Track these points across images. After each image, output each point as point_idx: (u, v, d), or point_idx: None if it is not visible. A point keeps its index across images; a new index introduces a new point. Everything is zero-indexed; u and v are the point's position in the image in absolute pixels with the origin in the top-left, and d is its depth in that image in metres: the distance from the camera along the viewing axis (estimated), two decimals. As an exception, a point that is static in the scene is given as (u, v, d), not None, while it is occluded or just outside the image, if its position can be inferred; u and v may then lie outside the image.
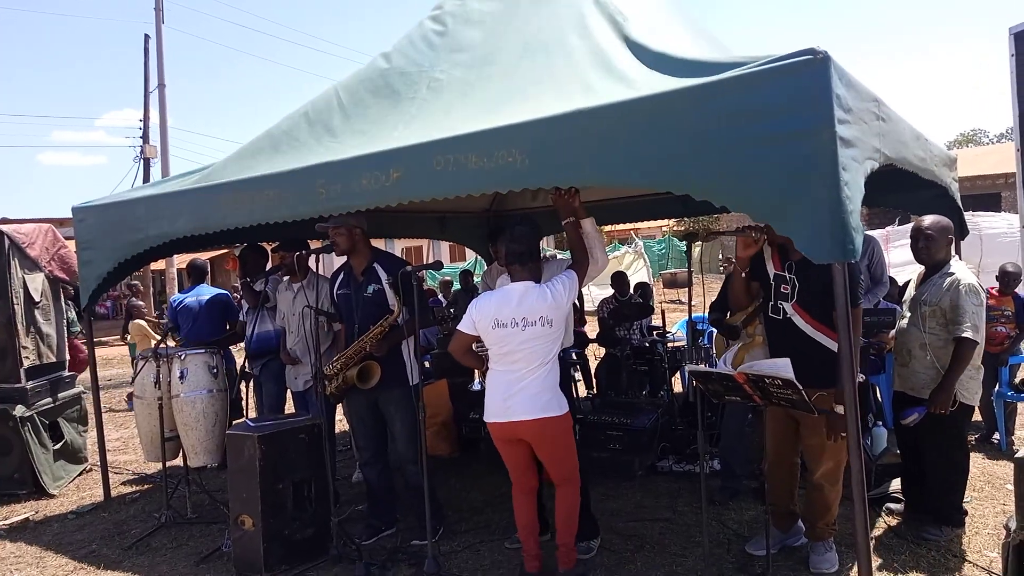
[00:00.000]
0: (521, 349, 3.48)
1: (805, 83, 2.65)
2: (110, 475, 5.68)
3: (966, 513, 4.09)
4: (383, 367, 4.14)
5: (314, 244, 4.97)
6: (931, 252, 3.92)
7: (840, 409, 3.13)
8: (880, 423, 5.41)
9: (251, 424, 4.18)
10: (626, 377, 6.64)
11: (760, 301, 3.77)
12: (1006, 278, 5.62)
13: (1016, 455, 2.55)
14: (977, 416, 5.01)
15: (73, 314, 9.27)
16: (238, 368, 5.73)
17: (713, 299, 5.09)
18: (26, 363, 5.89)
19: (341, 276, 4.41)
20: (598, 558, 3.91)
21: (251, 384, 5.39)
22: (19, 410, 5.70)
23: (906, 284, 4.42)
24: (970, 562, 3.65)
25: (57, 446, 6.06)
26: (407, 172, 3.56)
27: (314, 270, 4.98)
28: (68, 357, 6.62)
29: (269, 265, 5.44)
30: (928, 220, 3.94)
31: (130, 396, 7.89)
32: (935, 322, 3.85)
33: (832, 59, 2.65)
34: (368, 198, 3.71)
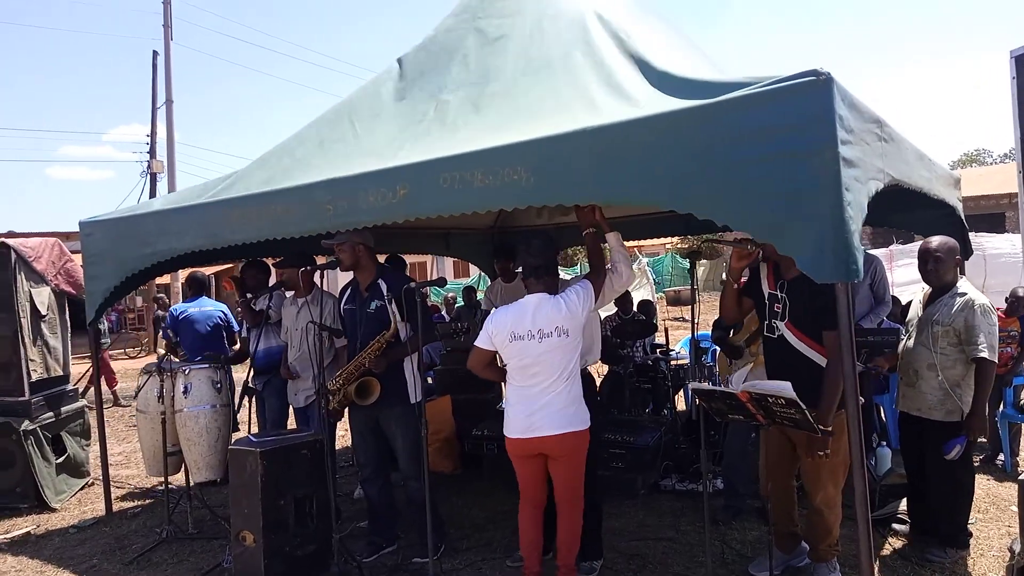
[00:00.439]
0: (539, 362, 3.48)
1: (808, 104, 2.67)
2: (112, 489, 5.67)
3: (971, 535, 4.06)
4: (384, 384, 4.14)
5: (320, 260, 5.00)
6: (940, 274, 3.93)
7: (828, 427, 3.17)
8: (884, 443, 5.39)
9: (253, 440, 4.18)
10: (629, 395, 6.62)
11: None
12: (1016, 303, 5.64)
13: (1020, 476, 2.54)
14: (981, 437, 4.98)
15: (105, 327, 9.35)
16: (240, 383, 5.75)
17: (716, 317, 5.09)
18: (33, 376, 5.90)
19: (348, 292, 4.43)
20: (600, 577, 3.89)
21: (253, 399, 5.39)
22: (23, 424, 5.70)
23: (908, 304, 4.42)
24: (975, 584, 3.63)
25: (60, 460, 6.06)
26: (414, 189, 3.58)
27: (319, 285, 5.00)
28: (93, 371, 6.63)
29: (273, 280, 5.45)
30: (936, 241, 3.95)
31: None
32: (947, 342, 3.85)
33: (835, 80, 2.67)
34: (375, 214, 3.73)
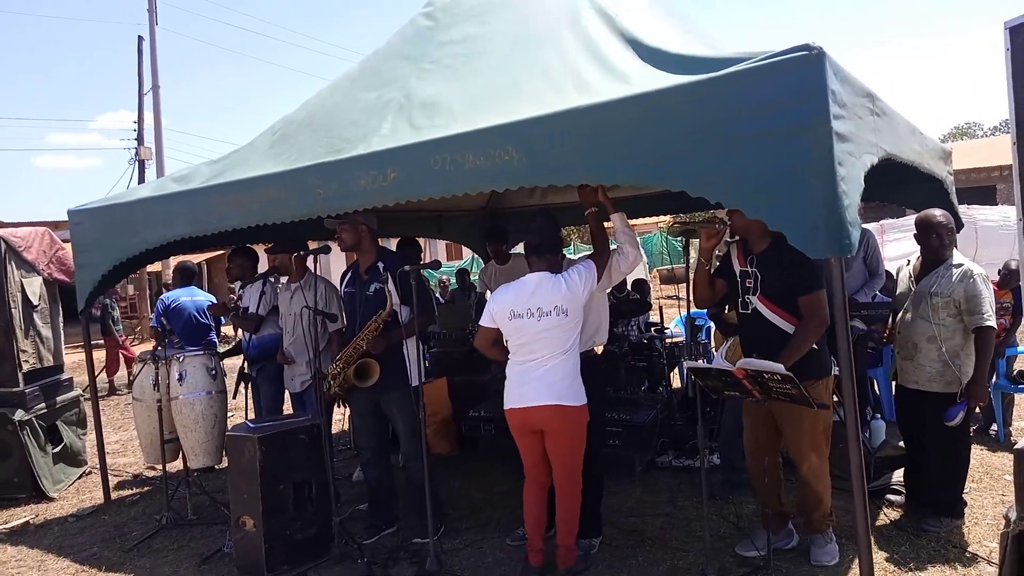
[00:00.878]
0: (537, 339, 3.50)
1: (800, 79, 2.66)
2: (110, 478, 5.68)
3: (966, 504, 4.11)
4: (384, 367, 4.14)
5: (312, 244, 4.98)
6: (945, 246, 3.96)
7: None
8: (878, 416, 5.43)
9: (251, 425, 4.18)
10: (624, 373, 6.64)
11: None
12: (1009, 275, 5.68)
13: (1016, 446, 2.56)
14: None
15: (117, 313, 9.37)
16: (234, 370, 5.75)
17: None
18: (26, 367, 5.88)
19: (349, 275, 4.42)
20: (599, 554, 3.92)
21: (249, 386, 5.40)
22: (18, 414, 5.69)
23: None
24: (970, 553, 3.67)
25: (56, 449, 6.06)
26: (404, 172, 3.56)
27: (312, 270, 4.99)
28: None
29: (264, 266, 5.43)
30: (939, 213, 4.00)
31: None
32: (946, 313, 3.88)
33: (827, 55, 2.66)
34: (366, 198, 3.71)
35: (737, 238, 3.75)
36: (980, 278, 3.84)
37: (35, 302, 6.08)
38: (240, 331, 5.45)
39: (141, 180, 20.12)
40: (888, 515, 4.18)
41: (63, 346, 6.51)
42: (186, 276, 6.54)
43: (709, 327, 7.39)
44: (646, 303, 7.75)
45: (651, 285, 11.16)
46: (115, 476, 6.16)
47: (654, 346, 7.01)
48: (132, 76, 20.98)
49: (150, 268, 18.69)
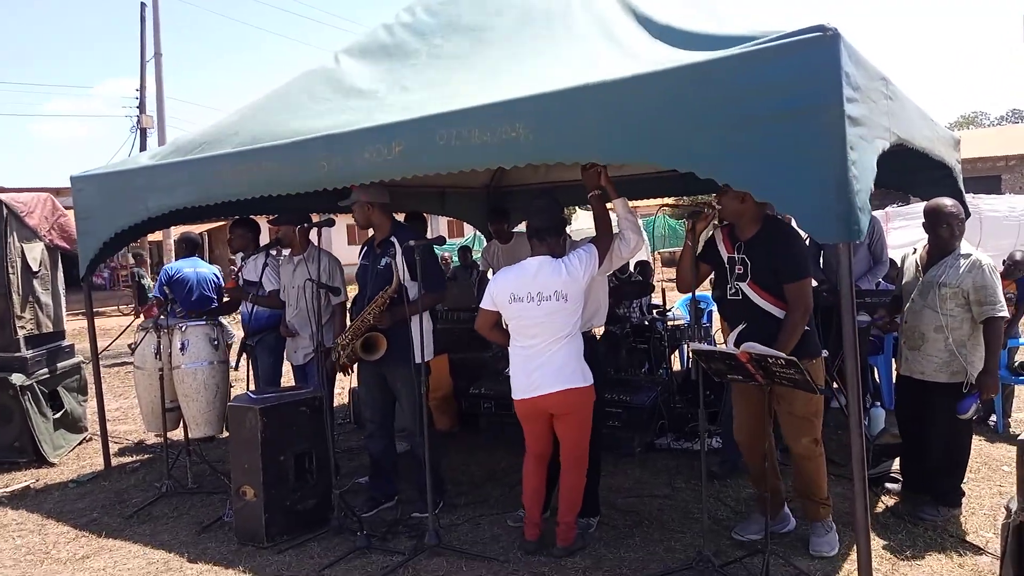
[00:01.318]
0: (538, 324, 3.50)
1: (814, 60, 2.63)
2: (110, 444, 5.70)
3: (963, 494, 4.12)
4: (391, 342, 4.13)
5: (315, 217, 4.96)
6: (955, 236, 3.93)
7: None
8: (878, 404, 5.43)
9: (253, 396, 4.19)
10: (625, 355, 6.64)
11: None
12: (1014, 266, 5.66)
13: (1018, 437, 2.56)
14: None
15: (147, 281, 9.34)
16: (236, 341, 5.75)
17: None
18: (22, 333, 5.88)
19: (365, 248, 4.42)
20: (597, 533, 3.94)
21: (251, 356, 5.40)
22: (18, 379, 5.70)
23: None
24: (966, 542, 3.68)
25: (57, 415, 6.07)
26: (410, 146, 3.53)
27: (314, 243, 4.97)
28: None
29: (266, 238, 5.40)
30: (951, 203, 3.97)
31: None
32: (954, 303, 3.86)
33: (842, 36, 2.62)
34: (370, 171, 3.69)
35: (724, 223, 3.73)
36: (989, 268, 3.82)
37: (35, 268, 6.06)
38: (242, 304, 5.43)
39: (143, 148, 20.03)
40: (885, 502, 4.19)
41: (64, 313, 6.50)
42: (190, 247, 6.53)
43: (711, 310, 7.39)
44: (648, 285, 7.74)
45: (654, 267, 11.13)
46: (115, 443, 6.19)
47: (655, 328, 7.00)
48: (135, 43, 20.79)
49: (151, 237, 18.66)
